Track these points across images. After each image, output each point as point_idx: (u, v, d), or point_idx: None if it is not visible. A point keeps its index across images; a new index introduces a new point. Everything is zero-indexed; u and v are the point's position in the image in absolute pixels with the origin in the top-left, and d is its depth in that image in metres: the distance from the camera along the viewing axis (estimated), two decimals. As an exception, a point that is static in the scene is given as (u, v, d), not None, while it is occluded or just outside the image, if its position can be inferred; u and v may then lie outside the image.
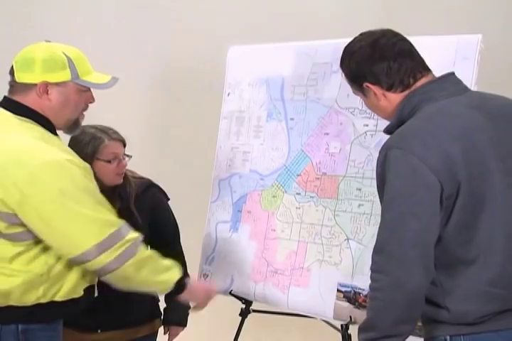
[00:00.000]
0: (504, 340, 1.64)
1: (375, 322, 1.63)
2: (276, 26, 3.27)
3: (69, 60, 1.93)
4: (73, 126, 2.02)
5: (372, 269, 1.64)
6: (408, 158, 1.59)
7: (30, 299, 1.87)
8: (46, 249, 1.88)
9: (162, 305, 2.57)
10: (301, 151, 2.43)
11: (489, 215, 1.62)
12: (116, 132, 2.37)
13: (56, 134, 1.99)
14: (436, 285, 1.64)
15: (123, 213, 2.34)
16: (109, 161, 2.30)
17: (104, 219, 1.88)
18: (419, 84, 1.72)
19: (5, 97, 1.98)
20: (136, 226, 2.32)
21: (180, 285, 2.04)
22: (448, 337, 1.64)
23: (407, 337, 1.65)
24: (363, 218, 2.24)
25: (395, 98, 1.74)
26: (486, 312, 1.62)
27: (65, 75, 1.93)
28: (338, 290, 2.26)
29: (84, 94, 1.99)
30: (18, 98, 1.94)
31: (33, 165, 1.81)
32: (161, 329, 2.57)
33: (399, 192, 1.60)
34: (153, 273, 1.97)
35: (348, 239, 2.26)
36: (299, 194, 2.41)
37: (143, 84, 3.58)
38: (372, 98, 1.77)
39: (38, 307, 1.88)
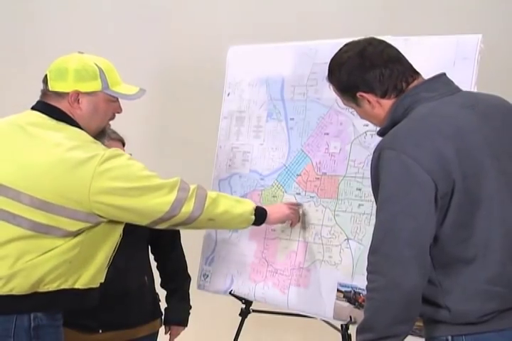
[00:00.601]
0: (507, 340, 1.63)
1: (371, 323, 1.63)
2: (276, 26, 3.27)
3: (100, 70, 2.02)
4: (101, 134, 2.11)
5: (368, 270, 1.64)
6: (401, 158, 1.59)
7: (54, 284, 1.94)
8: (81, 240, 1.96)
9: (163, 305, 2.58)
10: (301, 151, 2.43)
11: (486, 213, 1.62)
12: (114, 132, 2.37)
13: None
14: (436, 285, 1.64)
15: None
16: None
17: (166, 182, 2.02)
18: (411, 87, 1.73)
19: (39, 101, 2.06)
20: (137, 226, 2.33)
21: (260, 211, 2.20)
22: (449, 338, 1.64)
23: (404, 338, 1.65)
24: (363, 218, 2.24)
25: (388, 105, 1.74)
26: (487, 311, 1.62)
27: (96, 85, 2.01)
28: (338, 290, 2.26)
29: (112, 103, 2.08)
30: (52, 103, 2.03)
31: (91, 161, 1.91)
32: (162, 329, 2.57)
33: (393, 193, 1.61)
34: (230, 208, 2.12)
35: (348, 239, 2.26)
36: (299, 194, 2.41)
37: (143, 84, 3.54)
38: (367, 107, 1.77)
39: (60, 293, 1.95)
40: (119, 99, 2.10)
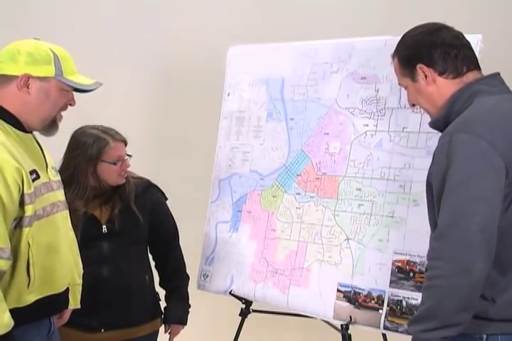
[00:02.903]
0: None
1: (435, 310, 1.56)
2: (276, 26, 3.27)
3: (55, 56, 1.88)
4: (49, 126, 1.93)
5: (431, 257, 1.59)
6: (477, 141, 1.57)
7: None
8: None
9: (163, 304, 2.58)
10: (301, 151, 2.43)
11: None
12: (117, 133, 2.37)
13: (26, 131, 1.89)
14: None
15: (124, 213, 2.35)
16: (114, 163, 2.30)
17: None
18: (470, 75, 1.73)
19: None
20: (137, 226, 2.33)
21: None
22: (484, 336, 1.60)
23: (464, 327, 1.58)
24: (362, 218, 2.24)
25: (443, 84, 1.74)
26: None
27: (49, 70, 1.86)
28: (338, 290, 2.26)
29: (65, 93, 1.91)
30: None
31: None
32: (162, 328, 2.57)
33: (467, 176, 1.57)
34: None
35: (348, 239, 2.26)
36: (299, 194, 2.41)
37: (143, 84, 3.58)
38: (421, 82, 1.76)
39: None
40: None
